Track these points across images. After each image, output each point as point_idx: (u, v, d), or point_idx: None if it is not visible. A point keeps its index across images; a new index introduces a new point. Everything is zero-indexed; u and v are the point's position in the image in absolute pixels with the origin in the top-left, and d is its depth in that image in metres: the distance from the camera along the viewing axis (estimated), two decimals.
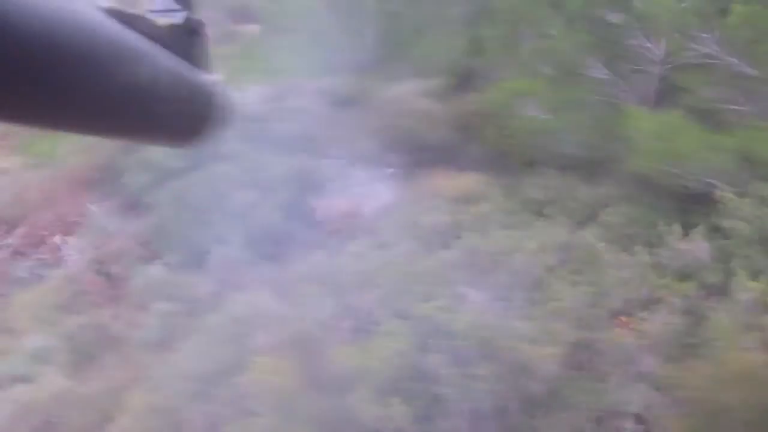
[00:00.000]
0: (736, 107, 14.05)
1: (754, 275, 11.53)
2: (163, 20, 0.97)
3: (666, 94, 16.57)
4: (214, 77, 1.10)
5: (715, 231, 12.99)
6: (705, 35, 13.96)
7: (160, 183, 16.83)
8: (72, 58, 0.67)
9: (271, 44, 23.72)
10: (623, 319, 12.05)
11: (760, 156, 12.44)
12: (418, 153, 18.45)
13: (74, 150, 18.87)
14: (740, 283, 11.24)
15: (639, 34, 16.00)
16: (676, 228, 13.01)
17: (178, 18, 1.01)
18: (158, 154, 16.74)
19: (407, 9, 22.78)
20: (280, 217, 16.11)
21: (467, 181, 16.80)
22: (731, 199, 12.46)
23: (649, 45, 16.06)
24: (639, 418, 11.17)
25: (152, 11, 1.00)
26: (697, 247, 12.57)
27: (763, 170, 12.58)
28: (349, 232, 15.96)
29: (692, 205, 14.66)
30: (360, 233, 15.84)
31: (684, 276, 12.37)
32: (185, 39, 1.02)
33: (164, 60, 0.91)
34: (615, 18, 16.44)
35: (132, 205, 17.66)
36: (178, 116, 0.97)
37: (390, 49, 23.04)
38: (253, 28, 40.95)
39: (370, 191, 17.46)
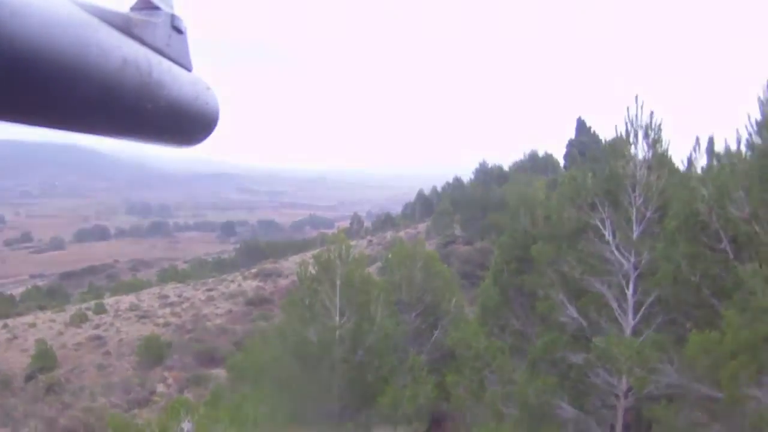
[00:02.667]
0: (705, 428, 13.61)
1: None
2: (142, 17, 0.95)
3: (635, 422, 16.37)
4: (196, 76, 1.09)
5: None
6: (664, 365, 13.80)
7: None
8: (50, 55, 0.65)
9: (238, 391, 23.53)
10: None
11: None
12: None
13: None
14: None
15: (601, 372, 15.86)
16: None
17: (157, 15, 0.99)
18: None
19: (373, 358, 22.86)
20: None
21: None
22: None
23: (612, 381, 15.92)
24: None
25: (132, 8, 0.98)
26: None
27: None
28: None
29: None
30: None
31: None
32: (165, 36, 1.00)
33: (145, 57, 0.87)
34: (576, 359, 16.38)
35: None
36: (162, 115, 0.93)
37: (358, 397, 22.87)
38: (220, 372, 41.36)
39: None
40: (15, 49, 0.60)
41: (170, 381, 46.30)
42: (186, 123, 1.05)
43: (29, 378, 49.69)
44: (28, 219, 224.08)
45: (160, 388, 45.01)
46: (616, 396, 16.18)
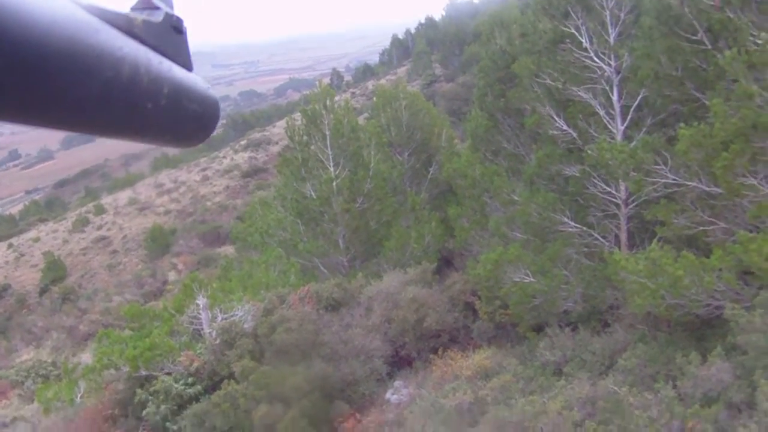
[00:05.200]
0: (709, 227, 13.66)
1: None
2: (142, 17, 0.93)
3: (639, 232, 16.32)
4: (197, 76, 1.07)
5: (733, 349, 12.35)
6: (658, 167, 13.75)
7: (179, 410, 16.06)
8: (51, 55, 0.65)
9: (248, 261, 23.93)
10: None
11: (757, 265, 11.99)
12: (426, 340, 17.84)
13: (89, 390, 17.92)
14: (765, 393, 10.49)
15: (598, 182, 15.94)
16: (694, 356, 12.32)
17: (157, 15, 0.97)
18: (174, 383, 16.24)
19: (373, 204, 23.00)
20: None
21: (481, 357, 16.28)
22: (741, 314, 11.88)
23: (610, 189, 15.95)
24: None
25: (132, 8, 0.96)
26: (718, 369, 11.87)
27: (764, 278, 12.11)
28: None
29: (705, 330, 14.08)
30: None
31: (710, 400, 11.60)
32: (165, 36, 0.97)
33: (145, 57, 0.86)
34: (572, 171, 16.42)
35: None
36: (163, 114, 0.91)
37: (364, 245, 23.17)
38: (228, 249, 42.10)
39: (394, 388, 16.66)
40: (15, 49, 0.60)
41: (180, 267, 47.24)
42: (186, 122, 1.04)
43: (43, 291, 50.65)
44: (13, 136, 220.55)
45: (172, 276, 45.97)
46: (617, 205, 16.19)
